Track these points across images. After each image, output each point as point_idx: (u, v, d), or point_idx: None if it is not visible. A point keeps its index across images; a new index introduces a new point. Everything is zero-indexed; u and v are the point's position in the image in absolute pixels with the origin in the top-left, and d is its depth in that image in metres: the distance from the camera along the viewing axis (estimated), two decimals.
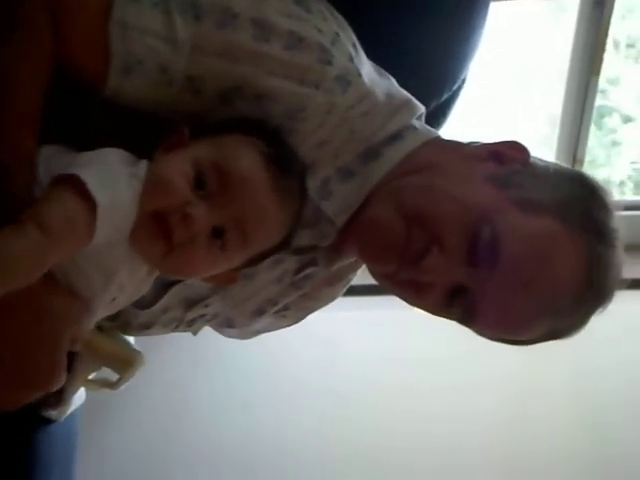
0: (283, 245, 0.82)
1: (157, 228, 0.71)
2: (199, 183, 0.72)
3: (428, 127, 0.93)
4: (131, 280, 0.78)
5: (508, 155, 0.87)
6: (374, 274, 0.92)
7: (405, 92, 0.90)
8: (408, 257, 0.83)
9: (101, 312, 0.80)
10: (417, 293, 0.87)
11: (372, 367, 1.66)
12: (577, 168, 1.80)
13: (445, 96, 1.08)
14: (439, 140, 0.93)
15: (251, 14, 0.78)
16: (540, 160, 0.90)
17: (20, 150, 0.73)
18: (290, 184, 0.78)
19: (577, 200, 0.84)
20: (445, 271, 0.82)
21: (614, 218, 0.86)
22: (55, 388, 0.76)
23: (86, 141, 0.76)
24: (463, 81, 1.11)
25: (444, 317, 0.89)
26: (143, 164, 0.74)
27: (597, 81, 1.72)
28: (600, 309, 0.86)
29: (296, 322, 1.11)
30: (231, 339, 1.14)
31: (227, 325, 1.07)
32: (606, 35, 1.66)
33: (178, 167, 0.73)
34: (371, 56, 0.89)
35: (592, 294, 0.85)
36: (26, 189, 0.71)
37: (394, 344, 1.66)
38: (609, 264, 0.84)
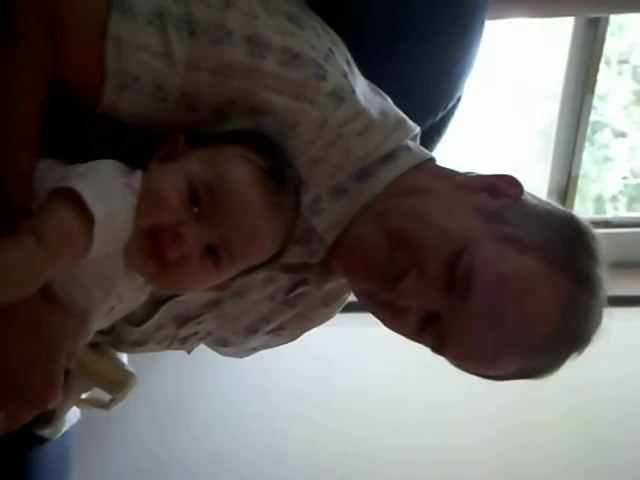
0: (276, 257, 0.82)
1: (150, 247, 0.71)
2: (193, 199, 0.72)
3: (422, 148, 0.93)
4: (129, 289, 0.78)
5: (501, 189, 0.87)
6: (355, 292, 0.92)
7: (399, 111, 0.90)
8: (387, 277, 0.83)
9: (99, 322, 0.79)
10: (393, 316, 0.87)
11: (368, 381, 1.66)
12: (571, 186, 1.80)
13: (440, 115, 1.08)
14: (433, 164, 0.92)
15: (245, 31, 0.78)
16: (533, 197, 0.89)
17: (17, 164, 0.72)
18: (285, 198, 0.78)
19: (563, 243, 0.84)
20: (420, 296, 0.82)
21: (600, 266, 0.84)
22: (52, 405, 0.75)
23: (81, 153, 0.75)
24: (458, 100, 1.11)
25: (418, 342, 0.88)
26: (138, 174, 0.74)
27: (592, 99, 1.72)
28: (574, 354, 0.85)
29: (292, 340, 1.10)
30: None
31: (222, 344, 1.07)
32: (600, 53, 1.67)
33: (172, 182, 0.72)
34: (367, 75, 0.89)
35: (563, 338, 0.83)
36: (24, 204, 0.71)
37: (389, 359, 1.66)
38: (586, 311, 0.83)
